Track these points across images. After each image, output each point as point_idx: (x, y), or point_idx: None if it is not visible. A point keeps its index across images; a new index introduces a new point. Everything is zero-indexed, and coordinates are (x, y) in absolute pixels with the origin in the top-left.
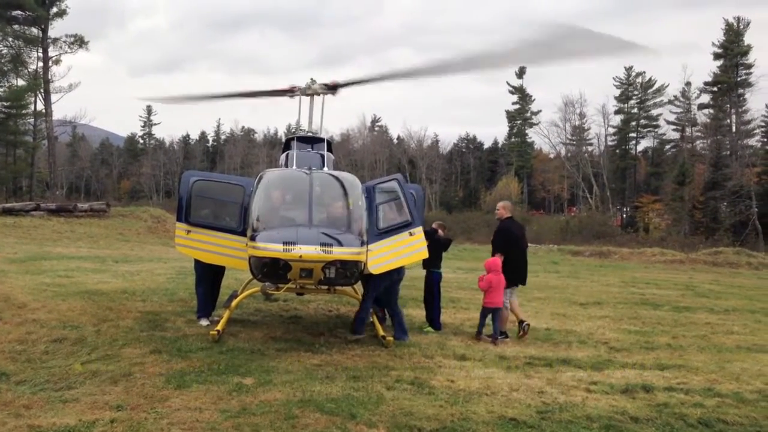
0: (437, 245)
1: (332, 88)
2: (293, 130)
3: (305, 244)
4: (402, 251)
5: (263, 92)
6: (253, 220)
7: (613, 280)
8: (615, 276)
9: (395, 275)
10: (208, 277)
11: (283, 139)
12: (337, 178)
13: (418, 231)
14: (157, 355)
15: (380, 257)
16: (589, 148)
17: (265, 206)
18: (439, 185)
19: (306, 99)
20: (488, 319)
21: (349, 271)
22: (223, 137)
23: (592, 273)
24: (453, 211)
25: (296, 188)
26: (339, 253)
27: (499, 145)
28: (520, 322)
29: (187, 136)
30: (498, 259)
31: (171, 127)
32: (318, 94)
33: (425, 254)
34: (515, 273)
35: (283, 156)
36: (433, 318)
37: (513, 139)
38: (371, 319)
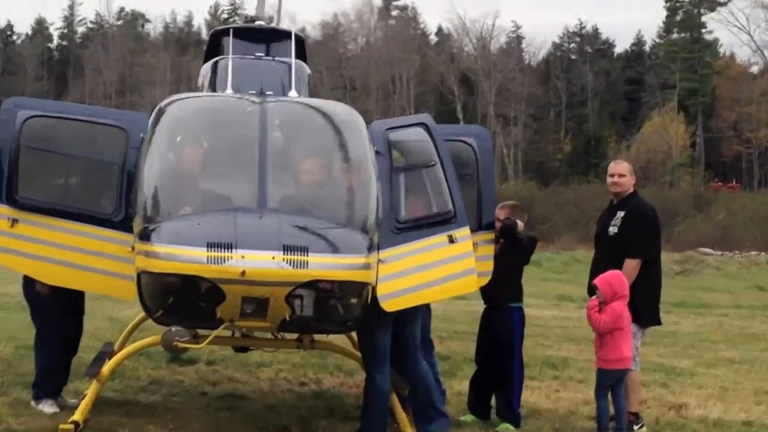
0: (517, 252)
1: None
2: (227, 16)
3: (253, 249)
4: (436, 272)
5: None
6: (145, 198)
7: None
8: None
9: (416, 312)
10: (57, 317)
11: (208, 36)
12: (317, 115)
13: (465, 236)
14: None
15: (399, 278)
16: None
17: (171, 171)
18: (523, 129)
19: None
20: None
21: (342, 304)
22: (80, 30)
23: None
24: (551, 182)
25: (234, 134)
26: (321, 266)
27: (646, 48)
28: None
29: (9, 27)
30: (623, 275)
31: None
32: None
33: (473, 282)
34: (652, 300)
35: (206, 68)
36: (510, 400)
37: (675, 35)
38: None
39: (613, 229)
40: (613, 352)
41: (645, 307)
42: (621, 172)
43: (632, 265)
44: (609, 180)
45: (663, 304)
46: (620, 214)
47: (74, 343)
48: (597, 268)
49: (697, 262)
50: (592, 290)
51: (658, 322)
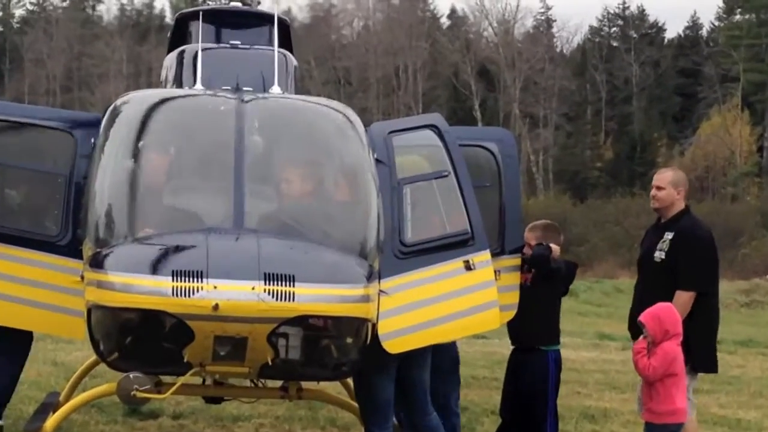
0: (552, 284)
1: None
2: None
3: (228, 278)
4: (449, 306)
5: None
6: (97, 217)
7: None
8: None
9: (424, 353)
10: None
11: (173, 20)
12: (306, 115)
13: (485, 262)
14: None
15: (405, 313)
16: None
17: (128, 184)
18: (555, 131)
19: None
20: None
21: (336, 344)
22: (18, 13)
23: None
24: (589, 196)
25: (204, 139)
26: (311, 299)
27: (703, 33)
28: None
29: None
30: (674, 307)
31: None
32: None
33: (495, 318)
34: (707, 340)
35: (171, 58)
36: None
37: (737, 17)
38: None
39: (659, 254)
40: (665, 404)
41: (699, 348)
42: (659, 184)
43: (684, 298)
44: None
45: (726, 342)
46: (668, 236)
47: (9, 386)
48: (640, 300)
49: (767, 292)
50: (637, 329)
51: (714, 369)
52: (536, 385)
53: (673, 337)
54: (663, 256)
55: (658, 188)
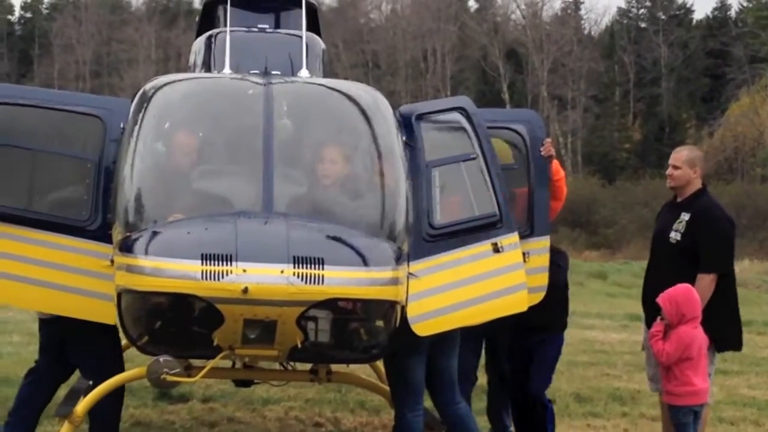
0: (558, 276)
1: None
2: None
3: (258, 261)
4: (478, 288)
5: None
6: (127, 201)
7: None
8: None
9: (453, 340)
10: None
11: (201, 5)
12: (334, 98)
13: (513, 244)
14: None
15: (434, 295)
16: None
17: (158, 168)
18: (583, 113)
19: None
20: None
21: (366, 327)
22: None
23: None
24: (617, 178)
25: (233, 123)
26: (340, 282)
27: (732, 13)
28: None
29: None
30: (693, 290)
31: None
32: None
33: (523, 300)
34: (728, 320)
35: (199, 43)
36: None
37: None
38: None
39: (675, 235)
40: (683, 385)
41: (719, 328)
42: (674, 163)
43: (706, 281)
44: None
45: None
46: (685, 216)
47: (63, 373)
48: (652, 281)
49: None
50: (650, 308)
51: (737, 346)
52: (551, 362)
53: (690, 321)
54: (678, 237)
55: (674, 167)
